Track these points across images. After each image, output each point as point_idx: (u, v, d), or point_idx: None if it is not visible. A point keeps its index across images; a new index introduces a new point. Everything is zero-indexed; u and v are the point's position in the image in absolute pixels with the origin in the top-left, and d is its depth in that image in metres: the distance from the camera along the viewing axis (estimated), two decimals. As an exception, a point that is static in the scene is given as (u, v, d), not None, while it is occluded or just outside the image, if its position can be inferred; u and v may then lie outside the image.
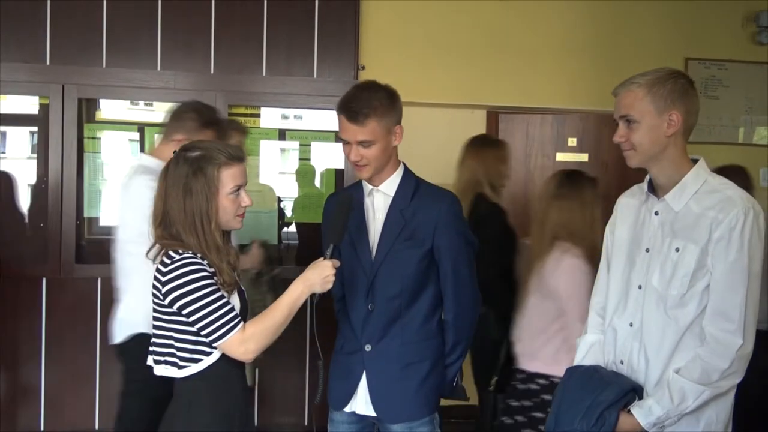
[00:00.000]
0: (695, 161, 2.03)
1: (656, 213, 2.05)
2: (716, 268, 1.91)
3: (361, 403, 2.36)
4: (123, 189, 2.90)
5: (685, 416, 1.93)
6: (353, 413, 2.39)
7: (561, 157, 4.89)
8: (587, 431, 1.96)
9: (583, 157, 4.93)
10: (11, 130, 4.38)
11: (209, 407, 1.97)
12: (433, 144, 4.61)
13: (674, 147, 2.00)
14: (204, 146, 2.02)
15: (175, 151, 2.01)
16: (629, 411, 1.96)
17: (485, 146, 3.78)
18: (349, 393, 2.36)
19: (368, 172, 2.31)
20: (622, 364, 2.09)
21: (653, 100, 1.97)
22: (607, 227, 2.27)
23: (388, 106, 2.27)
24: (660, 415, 1.92)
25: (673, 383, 1.92)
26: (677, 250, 1.96)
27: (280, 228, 4.56)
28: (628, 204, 2.19)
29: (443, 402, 2.46)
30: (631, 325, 2.07)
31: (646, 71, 2.03)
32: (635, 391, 2.00)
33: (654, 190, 2.08)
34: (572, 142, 4.90)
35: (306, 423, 4.31)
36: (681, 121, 1.97)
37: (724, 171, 3.53)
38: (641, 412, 1.94)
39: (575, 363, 2.24)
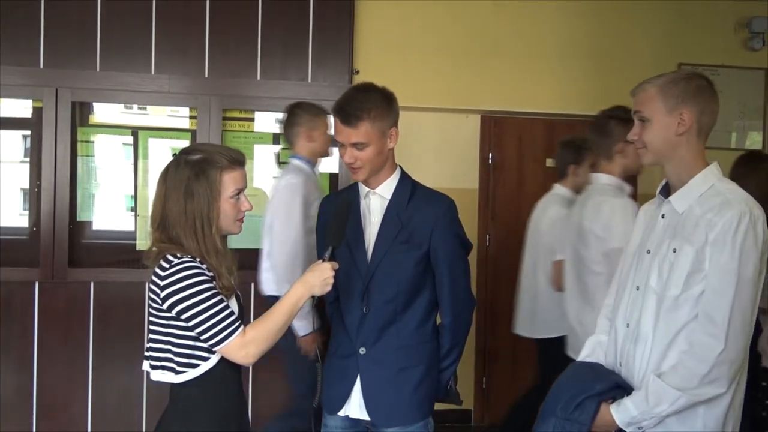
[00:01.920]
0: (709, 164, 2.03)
1: (663, 216, 2.06)
2: (708, 271, 1.89)
3: (355, 407, 2.35)
4: (582, 210, 3.05)
5: (670, 420, 1.92)
6: (347, 417, 2.37)
7: (551, 162, 4.90)
8: (565, 418, 1.97)
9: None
10: (4, 134, 4.35)
11: (206, 412, 1.96)
12: (428, 148, 4.63)
13: (686, 147, 2.00)
14: (206, 149, 2.01)
15: (174, 154, 2.01)
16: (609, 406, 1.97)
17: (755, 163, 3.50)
18: (344, 397, 2.35)
19: (363, 175, 2.30)
20: (621, 366, 2.09)
21: (664, 98, 1.98)
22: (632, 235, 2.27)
23: (383, 108, 2.26)
24: (635, 415, 1.92)
25: (651, 385, 1.92)
26: (674, 251, 1.95)
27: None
28: (648, 210, 2.21)
29: (437, 406, 2.46)
30: (627, 326, 2.07)
31: (665, 73, 2.06)
32: (623, 388, 2.00)
33: (668, 192, 2.08)
34: (560, 148, 4.91)
35: (300, 427, 4.30)
36: (693, 120, 1.98)
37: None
38: (617, 410, 1.95)
39: (577, 360, 2.25)
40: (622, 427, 1.95)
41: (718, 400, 1.92)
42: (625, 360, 2.07)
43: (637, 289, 2.06)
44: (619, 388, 2.01)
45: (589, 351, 2.24)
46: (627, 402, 1.95)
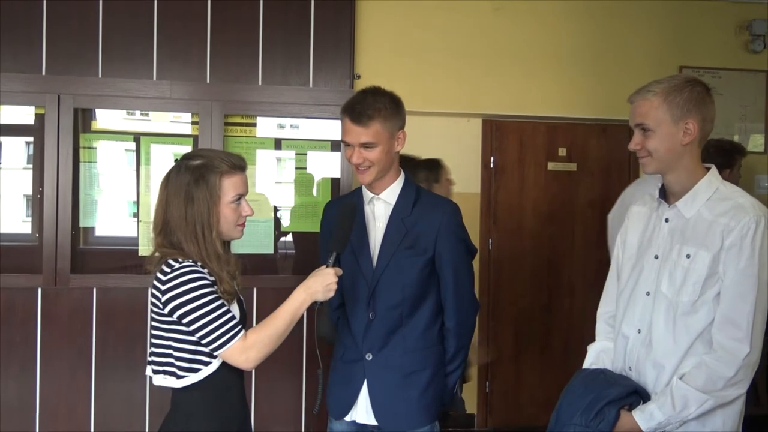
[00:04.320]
0: (708, 168, 2.03)
1: (666, 220, 2.05)
2: (727, 276, 1.91)
3: (362, 411, 2.35)
4: None
5: (691, 421, 1.93)
6: (353, 422, 2.38)
7: (552, 166, 4.91)
8: (586, 426, 1.96)
9: (572, 167, 4.96)
10: (7, 141, 4.36)
11: (208, 417, 1.96)
12: (429, 152, 4.62)
13: (690, 155, 2.00)
14: (206, 154, 2.02)
15: (176, 159, 2.02)
16: (631, 412, 1.96)
17: None
18: (350, 402, 2.36)
19: (370, 176, 2.30)
20: (630, 370, 2.09)
21: (669, 108, 1.97)
22: (619, 236, 2.26)
23: (392, 110, 2.30)
24: (661, 420, 1.93)
25: (676, 390, 1.92)
26: (688, 256, 1.95)
27: (276, 237, 4.55)
28: (639, 212, 2.20)
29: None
30: (639, 331, 2.07)
31: (661, 78, 2.02)
32: (639, 394, 2.01)
33: (666, 197, 2.08)
34: (562, 151, 4.93)
35: (303, 432, 4.30)
36: (697, 129, 1.97)
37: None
38: (642, 416, 1.95)
39: (583, 368, 2.24)
40: None
41: (736, 400, 1.95)
42: (635, 365, 2.07)
43: (647, 294, 2.06)
44: (636, 393, 2.01)
45: (593, 358, 2.24)
46: (652, 407, 1.95)
